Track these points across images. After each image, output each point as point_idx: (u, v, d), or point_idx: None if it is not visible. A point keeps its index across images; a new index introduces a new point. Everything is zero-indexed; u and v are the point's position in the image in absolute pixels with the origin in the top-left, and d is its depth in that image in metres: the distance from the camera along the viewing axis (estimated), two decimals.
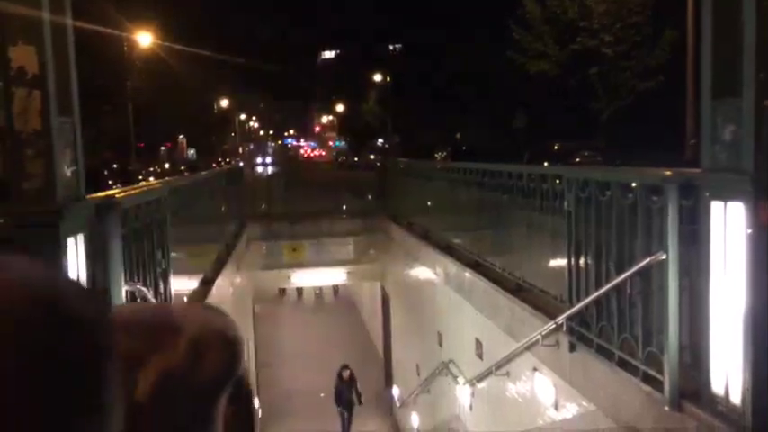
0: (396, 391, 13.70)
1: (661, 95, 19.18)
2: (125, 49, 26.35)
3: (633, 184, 3.86)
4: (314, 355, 17.50)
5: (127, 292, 3.27)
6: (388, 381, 15.01)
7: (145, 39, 26.32)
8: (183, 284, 5.41)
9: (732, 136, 3.00)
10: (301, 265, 14.27)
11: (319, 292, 25.43)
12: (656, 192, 3.56)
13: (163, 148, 47.15)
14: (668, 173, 3.49)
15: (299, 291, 24.68)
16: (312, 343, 18.85)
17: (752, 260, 2.87)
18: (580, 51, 19.84)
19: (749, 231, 2.87)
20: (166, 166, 41.95)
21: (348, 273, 16.81)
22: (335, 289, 24.95)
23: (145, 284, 3.65)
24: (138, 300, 3.50)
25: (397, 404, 13.30)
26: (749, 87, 2.88)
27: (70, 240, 2.73)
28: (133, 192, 3.98)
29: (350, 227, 14.34)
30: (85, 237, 2.90)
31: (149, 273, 3.83)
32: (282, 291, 24.16)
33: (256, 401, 10.58)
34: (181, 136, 50.94)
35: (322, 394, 13.93)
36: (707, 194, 3.14)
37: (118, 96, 26.66)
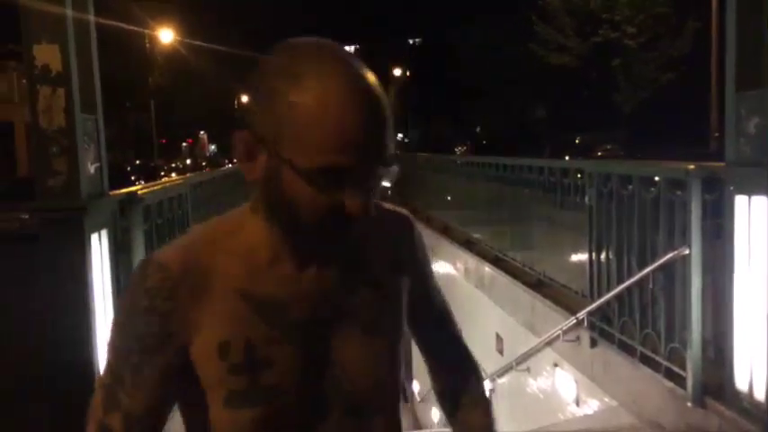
0: (416, 386, 13.72)
1: (685, 87, 18.93)
2: (147, 45, 26.61)
3: (656, 178, 3.82)
4: None
5: None
6: (408, 376, 15.04)
7: (166, 35, 26.53)
8: None
9: (757, 129, 2.96)
10: None
11: None
12: (679, 186, 3.52)
13: (184, 144, 47.58)
14: (691, 167, 3.44)
15: None
16: None
17: None
18: (602, 43, 19.64)
19: None
20: (188, 161, 42.33)
21: None
22: None
23: None
24: None
25: (417, 399, 13.32)
26: None
27: (94, 236, 2.78)
28: (155, 188, 4.02)
29: None
30: (109, 232, 2.94)
31: None
32: None
33: None
34: (202, 132, 51.36)
35: None
36: (731, 188, 3.09)
37: (140, 93, 26.94)
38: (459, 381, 1.21)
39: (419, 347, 1.19)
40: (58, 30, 2.78)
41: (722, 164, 3.24)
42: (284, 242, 0.91)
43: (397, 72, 48.95)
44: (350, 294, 0.96)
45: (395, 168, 0.87)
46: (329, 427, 0.94)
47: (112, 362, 0.90)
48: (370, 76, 0.85)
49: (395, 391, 1.03)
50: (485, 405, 1.20)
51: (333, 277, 0.95)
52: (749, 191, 2.97)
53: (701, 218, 3.34)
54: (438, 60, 39.80)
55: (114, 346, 0.90)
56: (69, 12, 2.81)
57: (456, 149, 32.10)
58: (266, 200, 0.89)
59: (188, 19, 30.01)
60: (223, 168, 13.36)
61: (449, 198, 10.74)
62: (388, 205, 1.09)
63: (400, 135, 50.88)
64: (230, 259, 0.91)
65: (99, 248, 2.82)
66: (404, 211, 1.11)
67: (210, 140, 57.91)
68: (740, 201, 3.02)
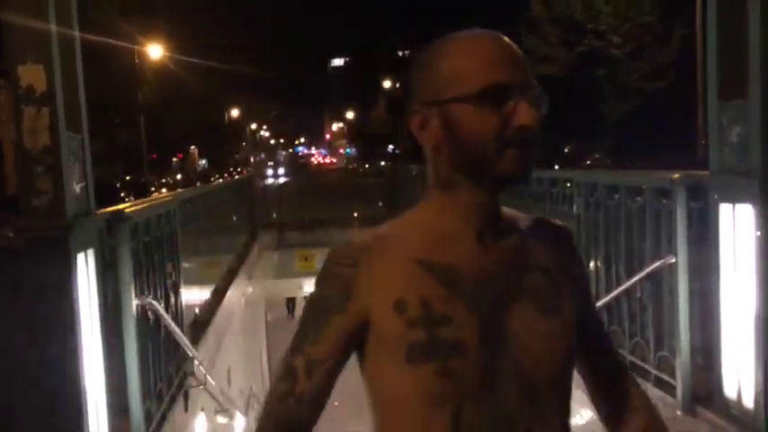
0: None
1: (672, 95, 19.08)
2: (136, 61, 26.59)
3: (642, 187, 3.85)
4: None
5: (137, 306, 3.30)
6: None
7: (155, 51, 26.53)
8: (194, 296, 5.44)
9: (739, 138, 2.99)
10: (313, 273, 14.28)
11: None
12: (665, 194, 3.55)
13: (175, 159, 47.48)
14: (676, 175, 3.47)
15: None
16: None
17: (761, 262, 2.85)
18: (587, 53, 19.79)
19: (758, 233, 2.85)
20: (178, 177, 42.23)
21: None
22: None
23: (156, 297, 3.67)
24: (150, 314, 3.53)
25: None
26: (755, 88, 2.87)
27: (80, 255, 2.76)
28: (143, 205, 4.01)
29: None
30: (95, 251, 2.93)
31: (160, 286, 3.85)
32: (291, 301, 21.42)
33: None
34: (192, 147, 51.27)
35: (336, 403, 13.91)
36: (715, 197, 3.12)
37: (129, 109, 26.89)
38: (623, 398, 1.18)
39: (578, 366, 1.15)
40: (42, 49, 2.78)
41: (707, 172, 3.27)
42: (466, 212, 1.01)
43: (387, 84, 49.14)
44: (522, 275, 1.03)
45: (546, 97, 0.99)
46: (502, 396, 0.97)
47: (303, 319, 1.04)
48: (501, 34, 1.01)
49: (567, 380, 1.05)
50: (653, 412, 1.20)
51: (506, 256, 1.03)
52: (733, 199, 3.00)
53: (687, 226, 3.36)
54: None
55: (305, 308, 1.05)
56: (54, 29, 2.81)
57: None
58: (442, 152, 1.00)
59: (177, 34, 30.05)
60: (214, 184, 13.33)
61: None
62: (550, 219, 1.18)
63: (391, 146, 50.99)
64: (412, 235, 1.03)
65: (85, 268, 2.80)
66: (565, 223, 1.20)
67: (201, 155, 57.78)
68: (725, 209, 3.04)
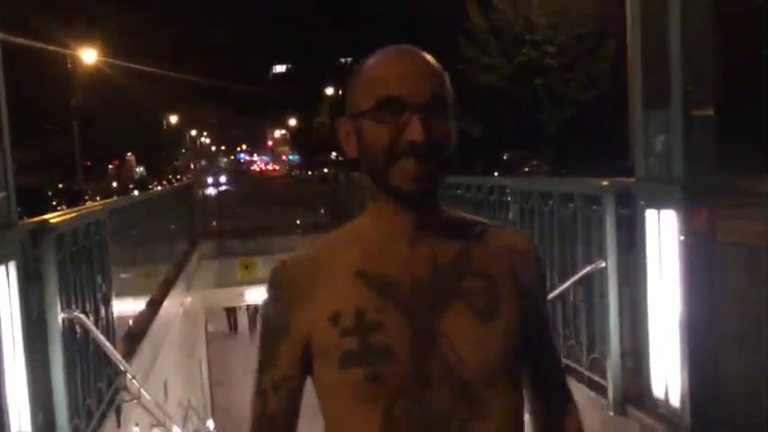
0: None
1: (606, 105, 19.67)
2: (69, 65, 25.75)
3: (574, 194, 3.94)
4: None
5: (64, 319, 3.17)
6: None
7: (89, 55, 25.75)
8: (127, 307, 5.28)
9: (663, 146, 3.10)
10: (255, 281, 14.10)
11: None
12: (595, 201, 3.64)
13: (111, 166, 46.14)
14: (605, 183, 3.57)
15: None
16: None
17: (685, 266, 2.95)
18: (525, 63, 20.23)
19: (682, 238, 2.95)
20: (114, 184, 41.04)
21: None
22: None
23: (84, 310, 3.55)
24: (78, 328, 3.40)
25: None
26: (677, 98, 2.98)
27: (0, 268, 2.64)
28: (70, 215, 3.87)
29: (304, 242, 14.25)
30: (18, 264, 2.81)
31: (89, 298, 3.72)
32: (231, 313, 20.05)
33: (211, 424, 10.23)
34: (129, 153, 49.93)
35: None
36: (642, 203, 3.22)
37: (63, 114, 26.03)
38: (557, 415, 1.19)
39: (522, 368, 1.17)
40: None
41: (634, 179, 3.37)
42: (393, 222, 1.06)
43: (329, 91, 49.06)
44: (460, 280, 1.06)
45: (452, 112, 1.03)
46: (434, 396, 1.02)
47: (260, 342, 1.13)
48: (418, 50, 1.05)
49: (506, 380, 1.07)
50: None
51: (443, 262, 1.06)
52: (658, 205, 3.10)
53: (616, 232, 3.46)
54: None
55: (260, 331, 1.13)
56: None
57: None
58: (361, 162, 1.06)
59: (115, 38, 29.30)
60: (150, 191, 13.02)
61: None
62: (510, 228, 1.23)
63: (334, 153, 50.90)
64: (347, 246, 1.08)
65: (6, 281, 2.68)
66: (526, 233, 1.24)
67: (139, 162, 56.33)
68: (650, 214, 3.14)
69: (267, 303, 1.11)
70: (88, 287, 3.71)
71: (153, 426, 5.00)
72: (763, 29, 11.16)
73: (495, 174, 15.03)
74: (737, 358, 3.17)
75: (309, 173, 44.82)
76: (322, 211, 15.79)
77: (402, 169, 1.00)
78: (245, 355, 19.15)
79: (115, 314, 4.32)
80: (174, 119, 60.67)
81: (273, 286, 1.10)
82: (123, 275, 5.40)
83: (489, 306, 1.05)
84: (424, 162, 0.99)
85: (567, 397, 1.21)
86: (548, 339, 1.21)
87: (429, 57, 1.05)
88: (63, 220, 3.41)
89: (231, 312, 20.16)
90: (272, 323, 1.10)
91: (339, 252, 1.08)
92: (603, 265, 3.50)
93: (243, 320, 20.60)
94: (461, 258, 1.07)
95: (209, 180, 17.73)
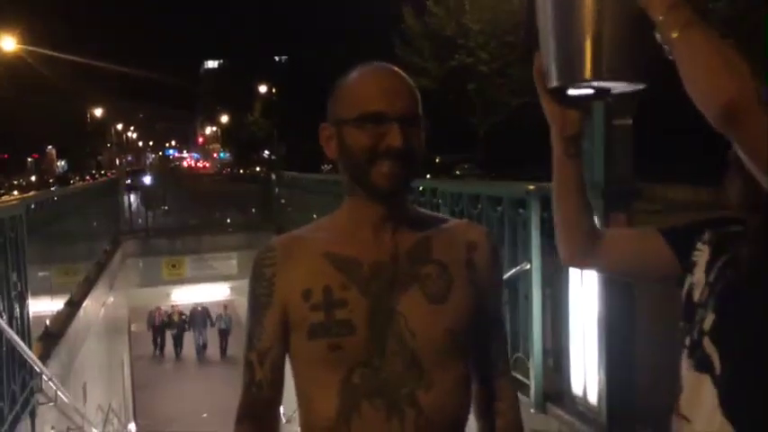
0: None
1: (536, 110, 20.23)
2: None
3: (501, 197, 4.03)
4: (194, 373, 16.94)
5: None
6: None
7: (8, 43, 24.52)
8: (45, 306, 5.07)
9: (586, 153, 3.21)
10: (182, 281, 13.77)
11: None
12: (522, 204, 3.73)
13: (30, 159, 44.13)
14: (531, 187, 3.66)
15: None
16: (192, 360, 18.17)
17: None
18: (458, 68, 20.57)
19: None
20: (33, 178, 39.25)
21: (232, 288, 16.38)
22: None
23: None
24: None
25: (283, 420, 13.08)
26: (599, 108, 3.10)
27: None
28: None
29: (234, 241, 14.01)
30: None
31: (3, 297, 3.55)
32: (160, 336, 18.22)
33: (133, 427, 9.93)
34: (50, 146, 47.87)
35: (204, 414, 13.48)
36: None
37: None
38: (497, 404, 1.33)
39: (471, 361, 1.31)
40: None
41: None
42: (362, 213, 1.22)
43: (263, 89, 48.44)
44: (417, 266, 1.21)
45: (425, 125, 1.20)
46: (388, 365, 1.17)
47: (248, 317, 1.26)
48: (395, 69, 1.22)
49: (453, 357, 1.21)
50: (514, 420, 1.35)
51: (403, 249, 1.22)
52: None
53: (540, 234, 3.56)
54: (307, 78, 39.79)
55: (249, 307, 1.26)
56: None
57: (323, 167, 32.17)
58: (340, 162, 1.22)
59: (37, 27, 28.02)
60: (72, 186, 12.54)
61: (315, 216, 10.70)
62: (466, 221, 1.37)
63: (267, 152, 50.24)
64: (323, 233, 1.25)
65: None
66: (483, 227, 1.37)
67: (60, 156, 54.11)
68: None
69: (253, 281, 1.24)
70: (2, 285, 3.55)
71: (70, 429, 4.82)
72: None
73: (428, 176, 15.19)
74: (654, 357, 3.32)
75: (241, 171, 44.12)
76: (254, 210, 15.55)
77: (380, 169, 1.16)
78: (173, 361, 18.60)
79: (31, 314, 4.15)
80: (98, 112, 58.49)
81: (257, 265, 1.25)
82: (41, 273, 5.18)
83: (441, 291, 1.21)
84: (400, 164, 1.16)
85: (507, 383, 1.35)
86: (498, 326, 1.34)
87: (404, 74, 1.22)
88: None
89: (157, 332, 18.14)
90: (257, 298, 1.24)
91: (315, 236, 1.24)
92: (528, 266, 3.60)
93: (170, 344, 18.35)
94: (420, 247, 1.23)
95: (128, 182, 16.77)
